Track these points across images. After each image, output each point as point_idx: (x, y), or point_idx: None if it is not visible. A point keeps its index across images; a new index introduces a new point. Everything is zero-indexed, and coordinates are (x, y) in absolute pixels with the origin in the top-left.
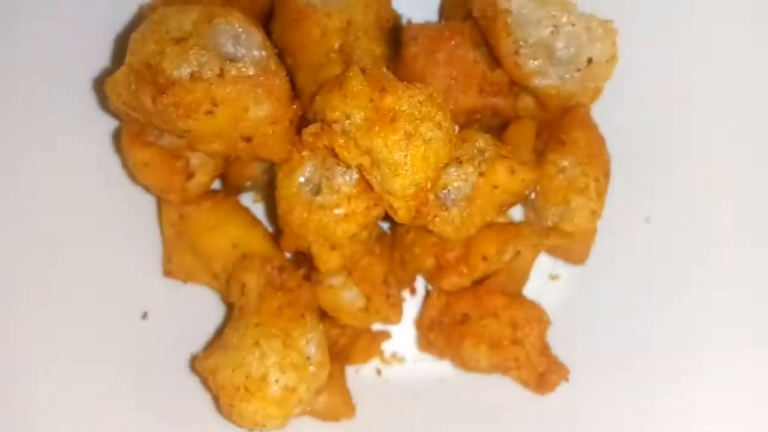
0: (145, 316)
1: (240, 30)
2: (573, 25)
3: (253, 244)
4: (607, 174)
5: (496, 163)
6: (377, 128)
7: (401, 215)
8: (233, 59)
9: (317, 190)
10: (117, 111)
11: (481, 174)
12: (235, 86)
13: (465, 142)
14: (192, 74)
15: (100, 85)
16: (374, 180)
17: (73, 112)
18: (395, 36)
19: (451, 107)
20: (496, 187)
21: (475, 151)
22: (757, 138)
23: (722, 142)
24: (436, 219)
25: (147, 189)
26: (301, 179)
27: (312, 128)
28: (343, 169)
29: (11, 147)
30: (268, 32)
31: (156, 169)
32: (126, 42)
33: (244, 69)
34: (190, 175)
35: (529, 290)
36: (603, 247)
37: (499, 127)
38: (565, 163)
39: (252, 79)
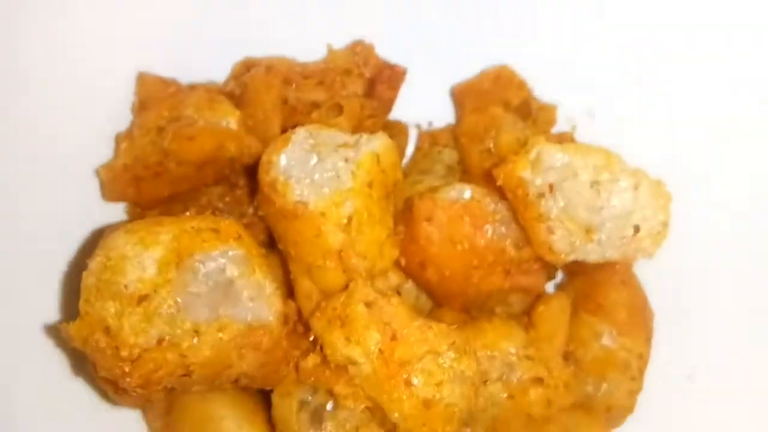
0: None
1: (225, 269)
2: (617, 182)
3: None
4: (649, 341)
5: (528, 388)
6: (387, 386)
7: None
8: (212, 303)
9: (319, 417)
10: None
11: (511, 396)
12: (214, 348)
13: (492, 355)
14: (159, 341)
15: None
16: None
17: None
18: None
19: (470, 290)
20: (527, 414)
21: (503, 366)
22: None
23: None
24: None
25: None
26: (299, 400)
27: (310, 362)
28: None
29: None
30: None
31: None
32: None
33: (227, 322)
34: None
35: None
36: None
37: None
38: (604, 332)
39: (236, 339)
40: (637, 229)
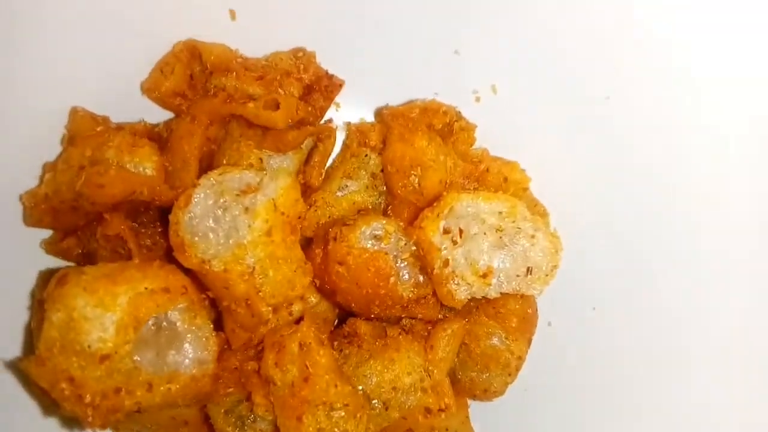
0: None
1: (176, 323)
2: (518, 228)
3: None
4: (530, 343)
5: (416, 413)
6: (286, 412)
7: None
8: (161, 357)
9: (242, 423)
10: None
11: (403, 417)
12: (164, 396)
13: (396, 387)
14: (117, 390)
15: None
16: None
17: None
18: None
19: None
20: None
21: (402, 396)
22: None
23: None
24: None
25: None
26: (223, 412)
27: (249, 366)
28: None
29: None
30: None
31: None
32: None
33: (176, 375)
34: None
35: None
36: None
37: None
38: (495, 333)
39: (181, 389)
40: (529, 270)
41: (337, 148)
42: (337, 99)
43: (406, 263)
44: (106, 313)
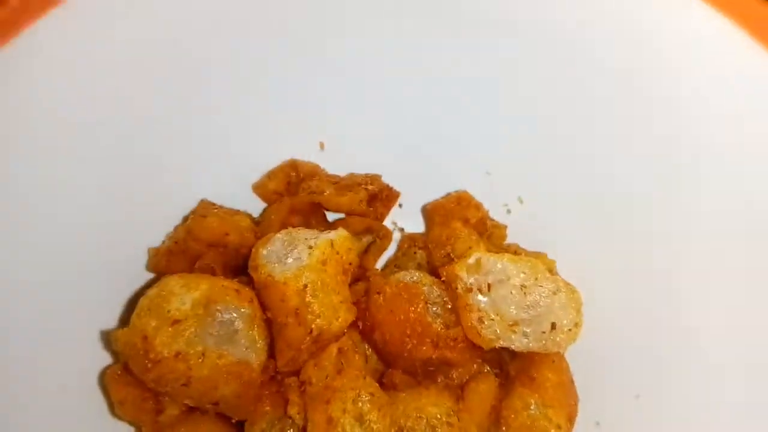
0: None
1: (235, 321)
2: (540, 286)
3: None
4: (571, 419)
5: None
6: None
7: None
8: (219, 341)
9: None
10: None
11: None
12: (211, 370)
13: (420, 416)
14: (177, 354)
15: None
16: None
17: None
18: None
19: (406, 356)
20: None
21: (427, 426)
22: None
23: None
24: None
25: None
26: (261, 429)
27: (292, 382)
28: None
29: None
30: None
31: (130, 406)
32: (134, 301)
33: (225, 354)
34: (160, 411)
35: None
36: None
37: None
38: (532, 402)
39: (227, 366)
40: (553, 326)
41: (391, 250)
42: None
43: (437, 306)
44: (189, 291)
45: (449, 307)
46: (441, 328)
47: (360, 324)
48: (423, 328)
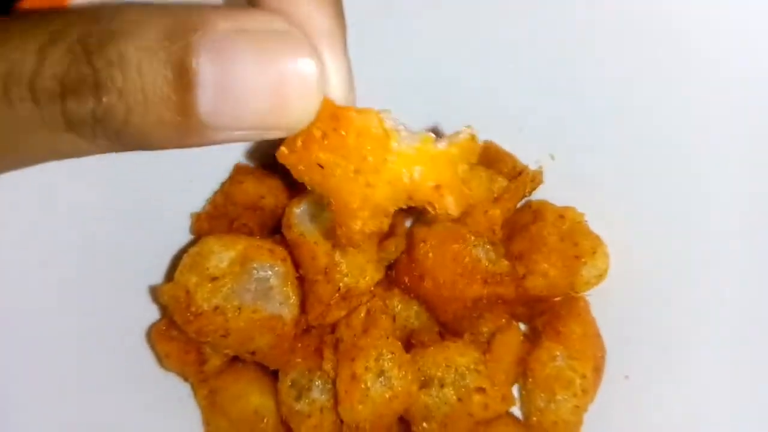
0: None
1: (270, 278)
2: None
3: (272, 408)
4: (598, 370)
5: (473, 394)
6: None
7: None
8: (254, 296)
9: (300, 393)
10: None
11: (460, 399)
12: (247, 323)
13: (449, 366)
14: (215, 308)
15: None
16: None
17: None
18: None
19: (458, 296)
20: (470, 414)
21: (456, 375)
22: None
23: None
24: None
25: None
26: (290, 383)
27: (328, 340)
28: (321, 383)
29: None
30: None
31: (175, 358)
32: (178, 261)
33: (260, 309)
34: (203, 362)
35: None
36: None
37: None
38: (558, 353)
39: (262, 320)
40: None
41: None
42: None
43: (479, 247)
44: (227, 250)
45: (489, 246)
46: (488, 265)
47: (406, 278)
48: (473, 264)
